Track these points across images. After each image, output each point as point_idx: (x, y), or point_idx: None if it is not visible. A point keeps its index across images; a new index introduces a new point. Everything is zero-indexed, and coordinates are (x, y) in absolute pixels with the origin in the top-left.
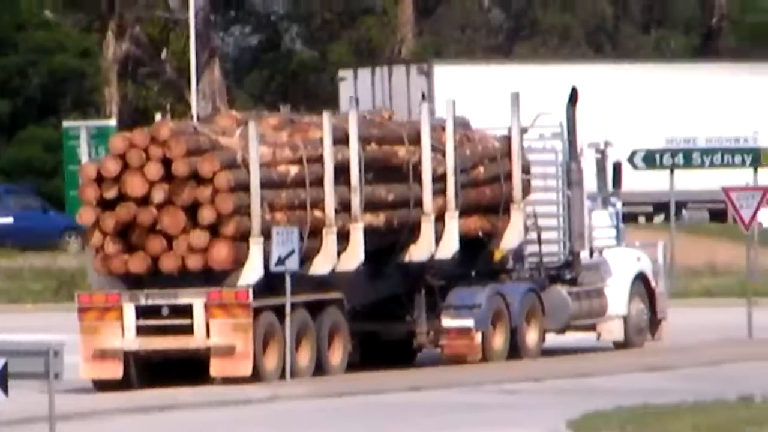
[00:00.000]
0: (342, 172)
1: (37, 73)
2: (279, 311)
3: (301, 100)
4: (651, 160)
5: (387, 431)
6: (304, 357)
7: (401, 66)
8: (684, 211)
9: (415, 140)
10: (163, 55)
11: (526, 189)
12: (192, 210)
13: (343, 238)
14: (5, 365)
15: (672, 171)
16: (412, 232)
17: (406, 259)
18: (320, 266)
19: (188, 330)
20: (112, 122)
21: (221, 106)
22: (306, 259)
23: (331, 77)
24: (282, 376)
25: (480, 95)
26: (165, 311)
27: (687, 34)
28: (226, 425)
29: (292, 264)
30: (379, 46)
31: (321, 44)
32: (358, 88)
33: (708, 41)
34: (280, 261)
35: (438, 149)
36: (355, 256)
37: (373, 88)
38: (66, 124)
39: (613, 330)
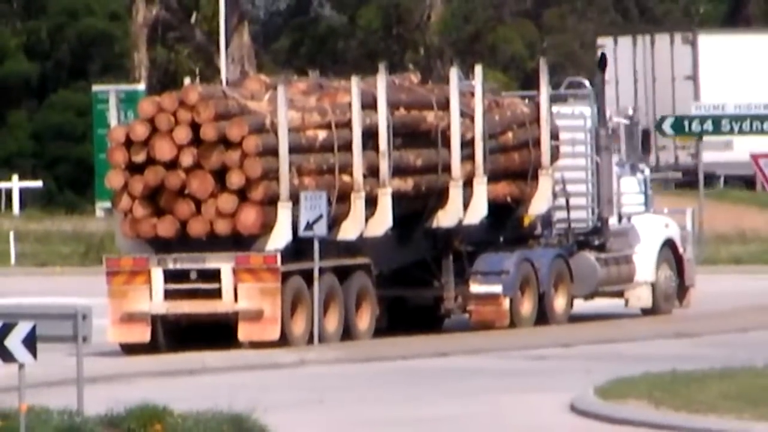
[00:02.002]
0: (370, 137)
1: (66, 37)
2: (307, 276)
3: (329, 65)
4: (679, 126)
5: (414, 396)
6: (332, 322)
7: (665, 34)
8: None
9: (444, 105)
10: (193, 19)
11: (555, 155)
12: (220, 174)
13: (372, 203)
14: (34, 328)
15: (700, 138)
16: (441, 197)
17: (434, 224)
18: (348, 231)
19: (216, 294)
20: (141, 86)
21: (250, 70)
22: (334, 224)
23: (359, 43)
24: (310, 340)
25: (745, 65)
26: (193, 275)
27: (714, 0)
28: (254, 389)
29: (320, 229)
30: (407, 11)
31: (349, 9)
32: (618, 57)
33: (737, 7)
34: (308, 226)
35: (467, 114)
36: (383, 221)
37: (634, 57)
38: (95, 88)
39: (641, 296)
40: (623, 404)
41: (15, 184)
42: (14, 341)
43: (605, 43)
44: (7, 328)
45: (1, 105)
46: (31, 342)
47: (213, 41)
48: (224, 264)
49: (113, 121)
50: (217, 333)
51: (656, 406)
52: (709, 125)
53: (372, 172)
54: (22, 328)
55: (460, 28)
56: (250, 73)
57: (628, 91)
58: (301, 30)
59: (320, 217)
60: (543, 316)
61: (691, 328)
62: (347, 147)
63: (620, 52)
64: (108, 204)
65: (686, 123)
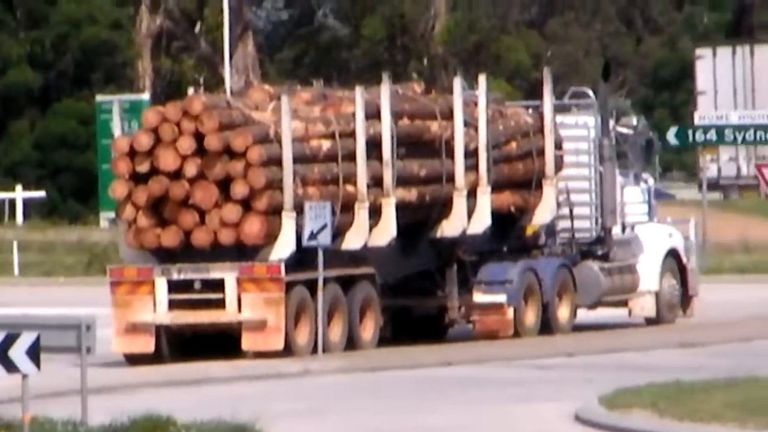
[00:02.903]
0: (374, 146)
1: (70, 47)
2: (311, 286)
3: (334, 75)
4: (684, 136)
5: (419, 406)
6: (336, 332)
7: (764, 45)
8: None
9: (448, 115)
10: (197, 29)
11: (559, 164)
12: (224, 184)
13: (375, 213)
14: (37, 339)
15: (704, 147)
16: (444, 207)
17: (438, 234)
18: (352, 241)
19: (220, 304)
20: (145, 96)
21: (254, 80)
22: (338, 233)
23: (363, 53)
24: (314, 350)
25: None
26: (197, 285)
27: (718, 10)
28: (258, 399)
29: (325, 239)
30: (412, 21)
31: (354, 19)
32: (717, 67)
33: (741, 17)
34: (313, 236)
35: (470, 124)
36: (387, 231)
37: (734, 66)
38: (99, 97)
39: (644, 306)
40: (628, 414)
41: (19, 194)
42: (18, 352)
43: (704, 54)
44: (11, 339)
45: (5, 115)
46: (34, 352)
47: (217, 51)
48: (228, 274)
49: (117, 131)
50: (221, 343)
51: (660, 416)
52: (712, 135)
53: (376, 182)
54: (25, 339)
55: (464, 37)
56: (255, 83)
57: (726, 101)
58: (305, 40)
59: (324, 226)
60: (547, 325)
61: (695, 337)
62: (351, 157)
63: (719, 62)
64: (112, 214)
65: (690, 133)
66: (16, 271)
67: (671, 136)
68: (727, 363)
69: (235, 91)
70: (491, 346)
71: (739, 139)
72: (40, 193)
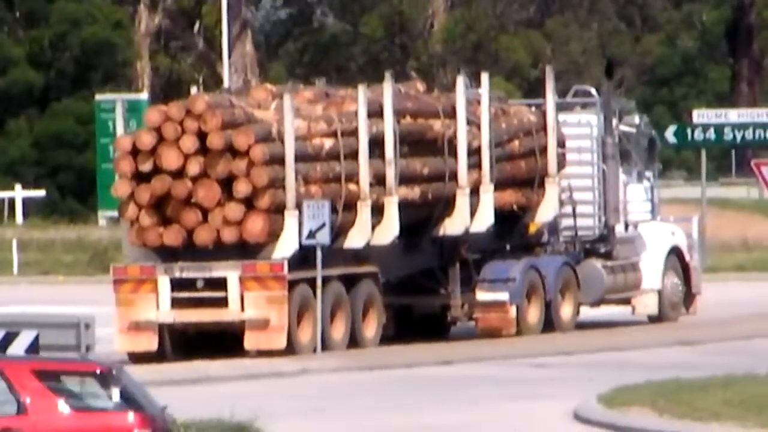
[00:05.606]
0: (377, 145)
1: (69, 46)
2: (314, 284)
3: (332, 74)
4: (682, 135)
5: (419, 404)
6: (339, 330)
7: None
8: None
9: (451, 114)
10: (196, 27)
11: (562, 163)
12: (227, 183)
13: (378, 211)
14: (36, 337)
15: (703, 147)
16: (447, 205)
17: (441, 232)
18: (355, 239)
19: (223, 303)
20: (144, 95)
21: (253, 79)
22: (341, 232)
23: (362, 51)
24: (315, 349)
25: None
26: (200, 284)
27: (718, 8)
28: (257, 398)
29: (323, 237)
30: (410, 19)
31: (352, 17)
32: None
33: (740, 15)
34: (311, 234)
35: (473, 123)
36: (389, 230)
37: None
38: (98, 97)
39: (647, 304)
40: (626, 412)
41: (18, 193)
42: (17, 350)
43: None
44: (10, 338)
45: (4, 114)
46: (34, 351)
47: (215, 50)
48: (231, 272)
49: (120, 130)
50: (225, 341)
51: (659, 414)
52: (711, 134)
53: (378, 180)
54: (24, 337)
55: (463, 36)
56: (253, 82)
57: None
58: (304, 38)
59: (323, 225)
60: (549, 323)
61: (695, 335)
62: (354, 155)
63: None
64: (110, 213)
65: (689, 131)
66: (15, 269)
67: (670, 134)
68: (726, 361)
69: (234, 89)
70: (493, 344)
71: (738, 137)
72: (40, 192)
